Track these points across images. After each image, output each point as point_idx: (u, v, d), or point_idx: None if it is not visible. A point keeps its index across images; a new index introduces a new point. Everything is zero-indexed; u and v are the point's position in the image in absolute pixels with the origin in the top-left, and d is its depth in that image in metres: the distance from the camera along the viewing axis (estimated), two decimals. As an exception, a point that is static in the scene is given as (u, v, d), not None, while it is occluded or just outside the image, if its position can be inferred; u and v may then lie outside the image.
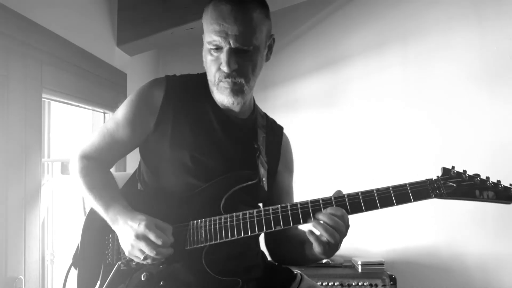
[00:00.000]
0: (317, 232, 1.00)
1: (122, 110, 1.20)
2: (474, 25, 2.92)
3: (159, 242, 1.01)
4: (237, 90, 1.11)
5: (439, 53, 2.97)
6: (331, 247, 1.00)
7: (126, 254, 1.07)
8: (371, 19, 3.09)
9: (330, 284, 2.56)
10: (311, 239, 1.00)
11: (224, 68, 1.07)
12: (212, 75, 1.12)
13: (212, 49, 1.08)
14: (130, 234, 1.04)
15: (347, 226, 1.01)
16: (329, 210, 1.00)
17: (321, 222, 0.99)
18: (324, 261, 2.74)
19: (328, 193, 1.06)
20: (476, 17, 2.92)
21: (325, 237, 0.98)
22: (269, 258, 1.34)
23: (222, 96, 1.12)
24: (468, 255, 2.86)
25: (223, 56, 1.07)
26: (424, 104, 2.98)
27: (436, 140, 2.92)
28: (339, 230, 0.99)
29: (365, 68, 3.08)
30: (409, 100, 3.01)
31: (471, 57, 2.92)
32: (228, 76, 1.09)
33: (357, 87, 3.10)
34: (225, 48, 1.06)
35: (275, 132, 1.32)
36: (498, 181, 1.00)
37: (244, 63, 1.09)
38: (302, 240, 1.16)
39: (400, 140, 3.00)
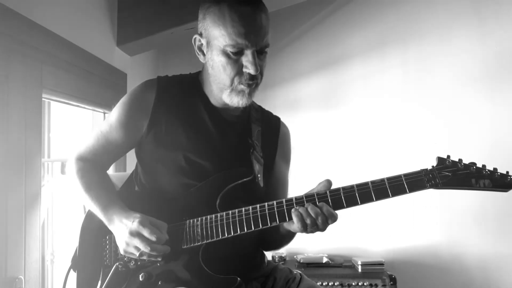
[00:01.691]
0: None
1: (115, 113, 1.20)
2: (474, 25, 2.92)
3: (153, 238, 1.02)
4: (252, 91, 1.11)
5: (439, 54, 2.97)
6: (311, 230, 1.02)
7: (122, 252, 1.08)
8: (371, 19, 3.09)
9: (330, 284, 2.56)
10: (295, 218, 1.01)
11: (252, 71, 1.05)
12: (229, 79, 1.08)
13: (232, 52, 1.05)
14: (125, 231, 1.05)
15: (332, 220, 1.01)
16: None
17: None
18: (324, 261, 2.75)
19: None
20: (476, 17, 2.92)
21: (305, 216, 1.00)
22: (269, 258, 1.34)
23: (237, 99, 1.10)
24: (468, 255, 2.86)
25: (247, 59, 1.05)
26: (424, 104, 2.99)
27: (435, 140, 2.92)
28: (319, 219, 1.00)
29: (365, 68, 3.09)
30: (409, 100, 3.02)
31: (471, 57, 2.92)
32: (253, 78, 1.08)
33: (357, 87, 3.10)
34: (250, 50, 1.05)
35: (272, 124, 1.31)
36: (495, 169, 0.98)
37: (261, 63, 1.09)
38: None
39: (400, 140, 3.00)
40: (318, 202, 1.01)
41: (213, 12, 1.07)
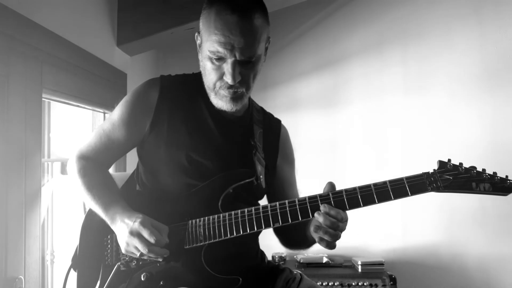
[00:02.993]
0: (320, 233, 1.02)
1: (117, 111, 1.20)
2: (474, 25, 2.92)
3: (151, 240, 1.02)
4: (237, 98, 1.11)
5: (439, 53, 2.97)
6: (333, 242, 1.03)
7: (123, 251, 1.08)
8: (371, 19, 3.09)
9: (330, 284, 2.56)
10: (315, 237, 1.02)
11: (229, 80, 1.06)
12: (212, 83, 1.10)
13: (214, 58, 1.06)
14: (125, 231, 1.05)
15: (345, 221, 1.02)
16: (324, 209, 1.01)
17: (322, 225, 1.00)
18: (324, 261, 2.75)
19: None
20: (476, 17, 2.92)
21: (326, 237, 1.00)
22: (269, 258, 1.34)
23: (221, 102, 1.12)
24: (468, 255, 2.86)
25: (227, 68, 1.05)
26: (424, 103, 2.98)
27: (436, 140, 2.92)
28: (337, 228, 1.00)
29: (365, 68, 3.09)
30: (409, 100, 3.01)
31: (471, 57, 2.92)
32: (231, 87, 1.08)
33: (357, 87, 3.10)
34: (230, 60, 1.04)
35: (273, 126, 1.32)
36: (494, 173, 0.99)
37: (247, 72, 1.08)
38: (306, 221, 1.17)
39: (400, 140, 3.00)
40: (321, 204, 1.02)
41: (204, 15, 1.08)
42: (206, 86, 1.15)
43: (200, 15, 1.11)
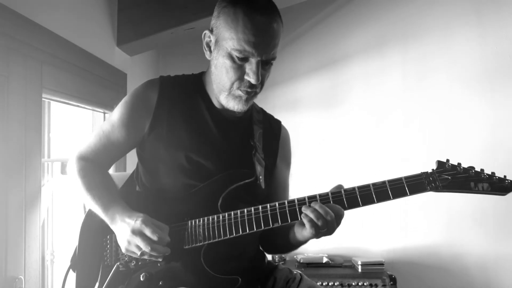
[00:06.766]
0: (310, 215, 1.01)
1: (117, 112, 1.20)
2: (474, 25, 2.92)
3: (154, 238, 1.02)
4: (249, 99, 1.12)
5: (439, 53, 2.97)
6: (322, 232, 1.02)
7: (123, 251, 1.08)
8: (371, 19, 3.09)
9: (330, 284, 2.56)
10: (305, 221, 1.01)
11: (253, 80, 1.06)
12: (230, 82, 1.09)
13: (238, 57, 1.06)
14: (127, 230, 1.05)
15: (336, 218, 1.01)
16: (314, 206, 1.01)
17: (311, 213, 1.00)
18: (324, 261, 2.75)
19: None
20: (476, 17, 2.92)
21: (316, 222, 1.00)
22: (269, 258, 1.34)
23: (233, 103, 1.11)
24: (468, 255, 2.86)
25: (250, 67, 1.06)
26: (424, 103, 2.99)
27: (435, 139, 2.92)
28: (328, 219, 1.00)
29: (365, 68, 3.09)
30: (409, 100, 3.02)
31: (471, 57, 2.92)
32: (252, 87, 1.09)
33: (357, 87, 3.10)
34: (255, 59, 1.05)
35: (273, 126, 1.32)
36: (493, 173, 1.00)
37: (264, 73, 1.10)
38: (290, 226, 1.16)
39: (400, 140, 3.00)
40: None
41: (228, 13, 1.06)
42: (219, 85, 1.12)
43: (219, 13, 1.09)
